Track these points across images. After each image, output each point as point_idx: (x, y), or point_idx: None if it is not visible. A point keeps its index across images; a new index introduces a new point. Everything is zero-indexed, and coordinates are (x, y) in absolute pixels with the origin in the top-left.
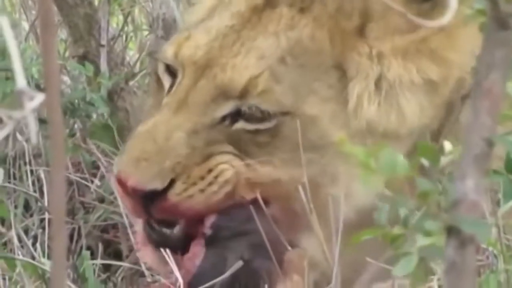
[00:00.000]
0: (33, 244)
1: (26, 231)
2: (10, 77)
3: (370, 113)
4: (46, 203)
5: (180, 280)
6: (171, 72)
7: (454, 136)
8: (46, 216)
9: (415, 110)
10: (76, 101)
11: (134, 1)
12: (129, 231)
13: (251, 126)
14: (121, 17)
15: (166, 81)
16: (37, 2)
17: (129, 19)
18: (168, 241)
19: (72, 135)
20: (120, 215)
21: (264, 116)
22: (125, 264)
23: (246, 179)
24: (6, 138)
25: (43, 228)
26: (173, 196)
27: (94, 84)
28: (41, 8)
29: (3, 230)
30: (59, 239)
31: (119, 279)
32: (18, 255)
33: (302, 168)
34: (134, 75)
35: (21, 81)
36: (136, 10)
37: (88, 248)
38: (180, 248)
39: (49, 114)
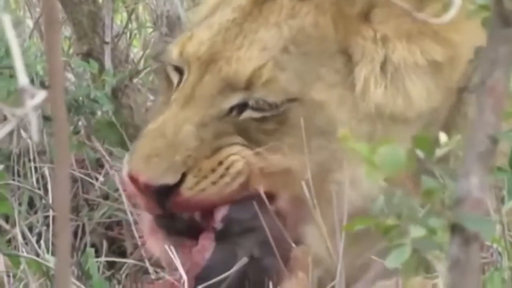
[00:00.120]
0: (38, 241)
1: (30, 228)
2: (14, 75)
3: (377, 96)
4: (50, 200)
5: (184, 277)
6: (179, 70)
7: (463, 130)
8: (51, 213)
9: (421, 92)
10: (81, 98)
11: None
12: (134, 228)
13: (258, 114)
14: (125, 15)
15: (174, 78)
16: None
17: (133, 16)
18: (178, 225)
19: (76, 132)
20: (125, 212)
21: (272, 107)
22: (129, 261)
23: (259, 169)
24: (11, 135)
25: (48, 225)
26: (186, 190)
27: (99, 81)
28: (45, 6)
29: (8, 227)
30: (64, 236)
31: (124, 276)
32: (23, 252)
33: (311, 154)
34: (138, 72)
35: (22, 79)
36: (140, 7)
37: (93, 245)
38: (192, 232)
39: (53, 111)
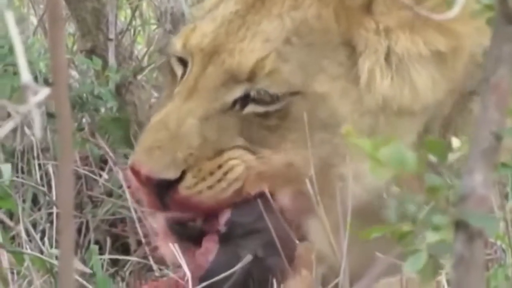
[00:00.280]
0: (41, 238)
1: (34, 225)
2: (18, 72)
3: (384, 87)
4: (54, 197)
5: (188, 274)
6: (182, 62)
7: (467, 129)
8: (54, 210)
9: (427, 83)
10: (84, 95)
11: None
12: (137, 225)
13: (261, 109)
14: (129, 11)
15: (178, 71)
16: None
17: (137, 13)
18: (190, 232)
19: (80, 129)
20: (128, 209)
21: (273, 99)
22: (133, 258)
23: (258, 173)
24: (14, 132)
25: (51, 222)
26: (184, 189)
27: (102, 78)
28: (49, 2)
29: (11, 224)
30: (67, 233)
31: (127, 273)
32: (26, 249)
33: (314, 149)
34: (142, 69)
35: (25, 76)
36: (144, 4)
37: (96, 242)
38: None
39: (57, 108)
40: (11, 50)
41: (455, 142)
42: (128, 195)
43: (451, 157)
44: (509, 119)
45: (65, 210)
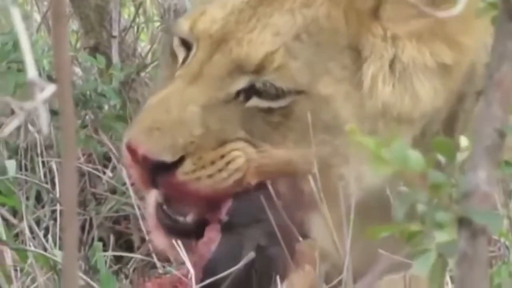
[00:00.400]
0: (45, 236)
1: (37, 223)
2: (22, 69)
3: (385, 94)
4: (57, 194)
5: (192, 272)
6: (186, 45)
7: (468, 129)
8: (58, 207)
9: (429, 93)
10: (88, 92)
11: None
12: (141, 222)
13: (264, 104)
14: (132, 8)
15: (180, 53)
16: None
17: (141, 10)
18: (180, 228)
19: (83, 126)
20: (132, 206)
21: (278, 94)
22: (136, 255)
23: (257, 166)
24: (18, 129)
25: (55, 220)
26: (181, 174)
27: (106, 75)
28: (53, 0)
29: (15, 221)
30: (71, 230)
31: (131, 270)
32: (30, 246)
33: (315, 149)
34: (145, 66)
35: (32, 72)
36: (148, 1)
37: (100, 239)
38: (191, 236)
39: (60, 105)
40: (15, 46)
41: (463, 141)
42: (131, 192)
43: (460, 157)
44: None
45: (69, 207)
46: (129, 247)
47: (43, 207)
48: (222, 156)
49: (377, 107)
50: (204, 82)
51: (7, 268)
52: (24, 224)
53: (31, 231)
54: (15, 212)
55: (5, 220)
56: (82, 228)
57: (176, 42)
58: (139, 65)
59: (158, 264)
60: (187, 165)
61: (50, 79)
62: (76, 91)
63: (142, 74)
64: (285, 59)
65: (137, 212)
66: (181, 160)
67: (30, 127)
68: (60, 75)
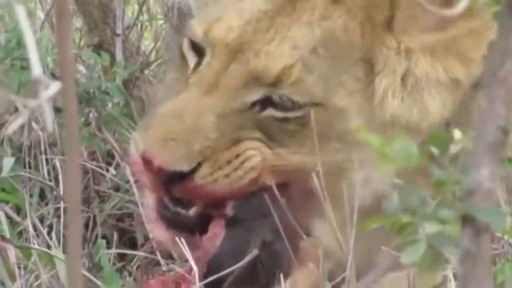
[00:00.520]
0: (49, 233)
1: (41, 220)
2: (25, 67)
3: (394, 106)
4: (61, 192)
5: (195, 269)
6: (197, 50)
7: (465, 125)
8: (62, 205)
9: (438, 106)
10: (92, 90)
11: None
12: (145, 220)
13: (280, 114)
14: (136, 6)
15: (191, 58)
16: None
17: (144, 8)
18: (182, 221)
19: (87, 124)
20: (136, 204)
21: (294, 106)
22: (140, 253)
23: (272, 166)
24: (22, 127)
25: (59, 217)
26: (198, 178)
27: (110, 73)
28: None
29: (19, 219)
30: (75, 228)
31: (134, 268)
32: (34, 244)
33: (328, 156)
34: (149, 64)
35: (37, 69)
36: None
37: (104, 237)
38: (192, 230)
39: (64, 103)
40: (18, 44)
41: (457, 134)
42: (135, 190)
43: (453, 149)
44: None
45: (73, 205)
46: (133, 245)
47: (46, 204)
48: (237, 155)
49: (386, 117)
50: (220, 92)
51: (11, 266)
52: (28, 222)
53: (35, 228)
54: (18, 210)
55: (8, 217)
56: (86, 225)
57: (186, 44)
58: (143, 63)
59: (162, 261)
60: (204, 170)
61: (53, 76)
62: (80, 89)
63: (146, 72)
64: (302, 73)
65: (141, 209)
66: (197, 166)
67: (34, 124)
68: (63, 72)
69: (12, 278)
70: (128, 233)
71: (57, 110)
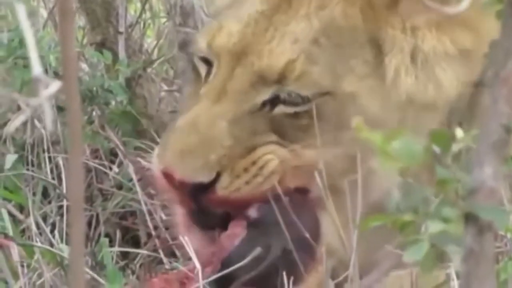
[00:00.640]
0: (51, 231)
1: (44, 218)
2: (28, 65)
3: (408, 85)
4: (64, 190)
5: (198, 267)
6: (207, 62)
7: (469, 123)
8: (64, 203)
9: (452, 80)
10: (94, 88)
11: None
12: (147, 218)
13: (290, 109)
14: (138, 4)
15: (202, 69)
16: None
17: (147, 6)
18: (213, 219)
19: (90, 122)
20: (139, 202)
21: (304, 101)
22: (143, 251)
23: (292, 167)
24: (24, 125)
25: (61, 215)
26: (221, 189)
27: (112, 71)
28: None
29: (21, 217)
30: (77, 226)
31: (137, 266)
32: (36, 242)
33: (343, 147)
34: (152, 62)
35: (37, 68)
36: None
37: (106, 235)
38: (225, 226)
39: (67, 101)
40: (21, 43)
41: (459, 132)
42: (138, 188)
43: (455, 147)
44: None
45: (75, 203)
46: (136, 243)
47: (49, 202)
48: (254, 163)
49: (401, 97)
50: (229, 98)
51: (14, 264)
52: (31, 220)
53: (38, 226)
54: (21, 208)
55: (11, 216)
56: (89, 224)
57: (197, 59)
58: (146, 61)
59: (165, 260)
60: (224, 180)
61: (56, 75)
62: (83, 87)
63: (149, 70)
64: (306, 66)
65: (144, 208)
66: (217, 176)
67: (36, 123)
68: (66, 71)
69: (15, 276)
70: (131, 231)
71: (60, 109)
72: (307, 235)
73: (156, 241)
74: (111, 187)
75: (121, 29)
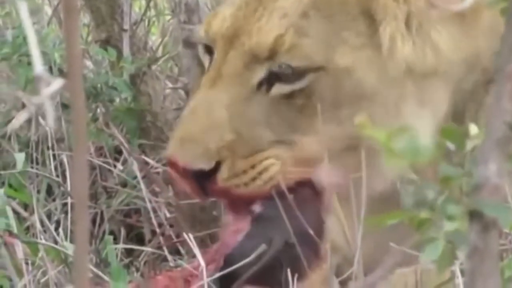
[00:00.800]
0: (56, 229)
1: (48, 216)
2: (32, 62)
3: (406, 52)
4: (68, 188)
5: (202, 264)
6: (209, 50)
7: (475, 117)
8: (69, 200)
9: (448, 42)
10: (99, 85)
11: None
12: (152, 215)
13: (286, 88)
14: (143, 2)
15: (206, 61)
16: None
17: (152, 3)
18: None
19: (94, 119)
20: (143, 199)
21: (296, 74)
22: (147, 248)
23: (294, 161)
24: (29, 122)
25: (66, 213)
26: (221, 180)
27: (117, 68)
28: None
29: (26, 214)
30: (82, 223)
31: (142, 263)
32: (41, 239)
33: (341, 126)
34: (156, 60)
35: (38, 66)
36: None
37: (111, 232)
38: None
39: (71, 98)
40: (25, 40)
41: (473, 129)
42: (142, 186)
43: (469, 144)
44: None
45: (80, 200)
46: (140, 240)
47: (54, 200)
48: (253, 166)
49: (401, 67)
50: (224, 81)
51: (18, 262)
52: (35, 218)
53: (42, 224)
54: (26, 206)
55: (16, 213)
56: (93, 221)
57: (200, 50)
58: (150, 58)
59: (169, 257)
60: (224, 171)
61: (61, 72)
62: (87, 84)
63: (153, 67)
64: (295, 39)
65: (148, 205)
66: (218, 165)
67: (41, 120)
68: (71, 68)
69: (20, 273)
70: (136, 229)
71: (65, 106)
72: (311, 232)
73: (161, 238)
74: (116, 185)
75: (126, 26)
